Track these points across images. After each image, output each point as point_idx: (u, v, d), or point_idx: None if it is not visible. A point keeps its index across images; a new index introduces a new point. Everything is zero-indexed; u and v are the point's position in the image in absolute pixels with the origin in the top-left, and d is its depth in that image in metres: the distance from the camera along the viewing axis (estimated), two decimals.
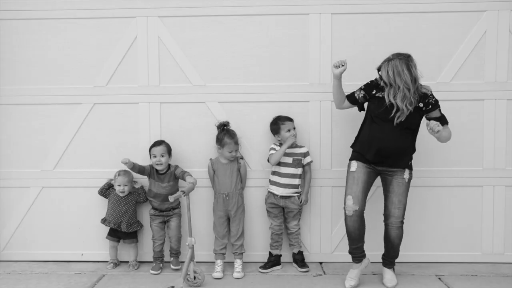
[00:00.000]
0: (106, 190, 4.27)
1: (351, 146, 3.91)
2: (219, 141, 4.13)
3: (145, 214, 4.34)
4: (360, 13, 4.24)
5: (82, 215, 4.42)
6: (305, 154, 4.18)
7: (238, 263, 4.15)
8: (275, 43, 4.30)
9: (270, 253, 4.25)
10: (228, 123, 4.20)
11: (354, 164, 3.80)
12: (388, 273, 3.89)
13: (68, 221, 4.43)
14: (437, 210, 4.32)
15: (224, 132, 4.13)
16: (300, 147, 4.20)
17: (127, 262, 4.33)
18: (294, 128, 4.12)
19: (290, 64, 4.30)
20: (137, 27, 4.31)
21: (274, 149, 4.14)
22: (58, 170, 4.40)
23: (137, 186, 4.32)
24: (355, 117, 4.07)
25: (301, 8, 4.26)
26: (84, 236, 4.43)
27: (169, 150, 4.18)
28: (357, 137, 3.90)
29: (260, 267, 4.18)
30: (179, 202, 4.26)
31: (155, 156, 4.12)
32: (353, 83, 3.99)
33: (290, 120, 4.14)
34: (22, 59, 4.36)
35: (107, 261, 4.37)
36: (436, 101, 3.72)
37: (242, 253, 4.20)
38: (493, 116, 4.25)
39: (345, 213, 3.77)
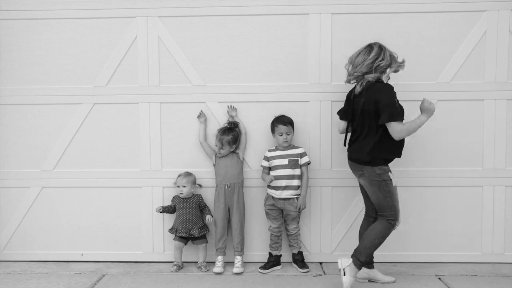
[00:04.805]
0: (169, 208, 4.25)
1: (379, 158, 3.63)
2: (216, 135, 4.23)
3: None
4: (360, 13, 4.24)
5: (82, 215, 4.42)
6: (302, 155, 4.17)
7: (238, 259, 4.18)
8: (275, 43, 4.30)
9: (270, 253, 4.25)
10: (236, 125, 4.24)
11: (392, 175, 3.67)
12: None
13: (68, 221, 4.43)
14: (437, 210, 4.32)
15: (223, 129, 4.19)
16: (297, 147, 4.19)
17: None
18: (288, 133, 4.09)
19: (290, 64, 4.30)
20: (137, 27, 4.31)
21: (265, 159, 4.20)
22: (58, 170, 4.40)
23: (199, 188, 4.33)
24: None
25: (301, 8, 4.26)
26: (84, 236, 4.43)
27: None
28: (379, 149, 3.62)
29: (260, 268, 4.18)
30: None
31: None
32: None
33: (285, 124, 4.10)
34: (22, 59, 4.36)
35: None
36: None
37: (242, 249, 4.22)
38: (493, 116, 4.25)
39: (398, 225, 3.68)
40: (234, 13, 4.29)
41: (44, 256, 4.45)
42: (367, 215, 3.93)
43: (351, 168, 3.84)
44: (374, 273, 3.88)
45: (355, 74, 3.66)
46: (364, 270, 3.85)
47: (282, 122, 4.10)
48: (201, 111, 4.29)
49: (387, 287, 3.82)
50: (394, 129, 3.49)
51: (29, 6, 4.32)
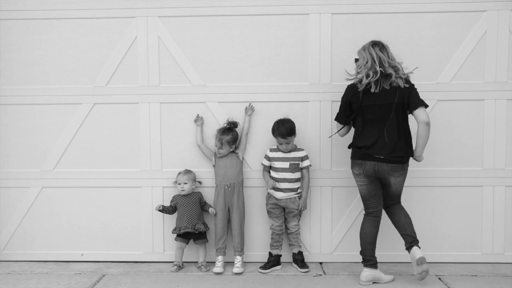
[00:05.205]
0: (169, 208, 4.25)
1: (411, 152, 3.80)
2: (216, 135, 4.23)
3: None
4: (360, 13, 4.24)
5: (82, 215, 4.42)
6: (303, 158, 4.16)
7: (238, 259, 4.18)
8: (275, 43, 4.30)
9: (270, 253, 4.25)
10: (236, 125, 4.25)
11: None
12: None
13: (68, 221, 4.43)
14: (437, 210, 4.32)
15: (223, 129, 4.19)
16: (299, 150, 4.18)
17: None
18: (288, 143, 4.07)
19: (290, 64, 4.30)
20: (137, 27, 4.31)
21: (266, 158, 4.20)
22: (58, 170, 4.40)
23: (200, 185, 4.34)
24: None
25: (301, 8, 4.26)
26: (84, 236, 4.43)
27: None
28: (411, 143, 3.80)
29: (260, 267, 4.18)
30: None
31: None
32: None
33: (284, 137, 4.05)
34: (22, 59, 4.36)
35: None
36: None
37: (242, 249, 4.23)
38: (493, 116, 4.25)
39: None
40: (234, 13, 4.29)
41: (44, 256, 4.45)
42: (376, 215, 3.85)
43: (374, 169, 3.74)
44: (378, 273, 3.86)
45: (390, 69, 3.67)
46: (369, 271, 3.82)
47: (281, 135, 4.06)
48: (198, 114, 4.29)
49: (387, 287, 3.82)
50: (425, 113, 3.62)
51: (29, 6, 4.32)
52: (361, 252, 3.87)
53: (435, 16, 4.23)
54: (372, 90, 3.65)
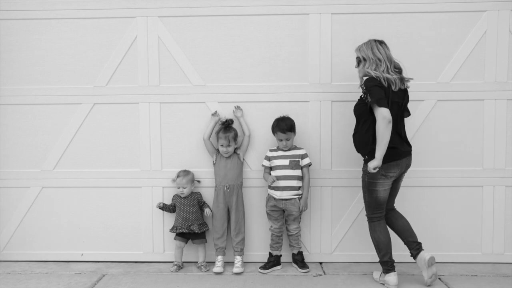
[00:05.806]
0: (169, 207, 4.27)
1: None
2: (216, 135, 4.21)
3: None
4: (360, 13, 4.24)
5: (82, 215, 4.42)
6: (303, 156, 4.16)
7: (237, 259, 4.18)
8: (275, 43, 4.30)
9: (270, 253, 4.25)
10: (232, 121, 4.24)
11: None
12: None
13: (68, 221, 4.43)
14: (437, 210, 4.32)
15: (223, 128, 4.20)
16: (299, 148, 4.18)
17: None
18: (288, 139, 4.07)
19: (290, 64, 4.30)
20: (137, 27, 4.31)
21: (266, 158, 4.19)
22: (58, 170, 4.40)
23: (199, 185, 4.34)
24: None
25: (301, 8, 4.26)
26: (84, 236, 4.43)
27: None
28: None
29: (260, 268, 4.18)
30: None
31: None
32: (351, 83, 4.02)
33: (284, 132, 4.05)
34: (22, 59, 4.36)
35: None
36: (365, 92, 3.57)
37: (242, 249, 4.22)
38: (493, 116, 4.25)
39: None
40: (234, 13, 4.29)
41: (44, 256, 4.45)
42: (383, 217, 3.82)
43: (405, 165, 3.72)
44: None
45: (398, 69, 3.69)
46: (396, 274, 3.82)
47: (281, 129, 4.06)
48: (216, 111, 4.27)
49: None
50: None
51: (29, 6, 4.32)
52: (384, 259, 3.79)
53: (435, 16, 4.23)
54: (402, 87, 3.63)
